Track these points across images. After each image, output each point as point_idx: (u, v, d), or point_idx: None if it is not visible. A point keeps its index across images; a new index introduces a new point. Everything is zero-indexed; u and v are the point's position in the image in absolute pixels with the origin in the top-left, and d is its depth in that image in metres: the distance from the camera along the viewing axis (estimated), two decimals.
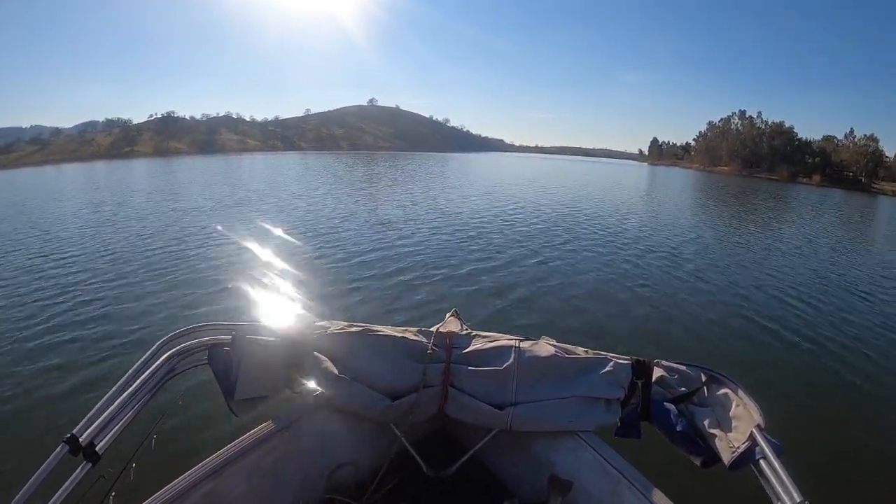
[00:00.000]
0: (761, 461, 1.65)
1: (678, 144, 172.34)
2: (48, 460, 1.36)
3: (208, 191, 25.54)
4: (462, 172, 48.60)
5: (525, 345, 2.12)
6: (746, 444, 1.71)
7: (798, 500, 1.47)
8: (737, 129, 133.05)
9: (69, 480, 1.40)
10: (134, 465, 1.65)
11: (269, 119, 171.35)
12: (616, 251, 13.37)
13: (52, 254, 11.08)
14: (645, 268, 11.70)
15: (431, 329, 2.23)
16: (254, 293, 8.26)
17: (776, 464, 1.61)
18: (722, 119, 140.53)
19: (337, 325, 2.14)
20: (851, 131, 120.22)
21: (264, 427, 1.87)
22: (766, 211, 31.80)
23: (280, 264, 10.09)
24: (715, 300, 9.40)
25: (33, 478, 1.31)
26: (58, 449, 1.40)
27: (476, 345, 2.15)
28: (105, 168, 53.49)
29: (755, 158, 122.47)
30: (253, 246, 11.65)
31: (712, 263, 12.79)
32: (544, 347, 2.13)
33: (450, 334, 2.20)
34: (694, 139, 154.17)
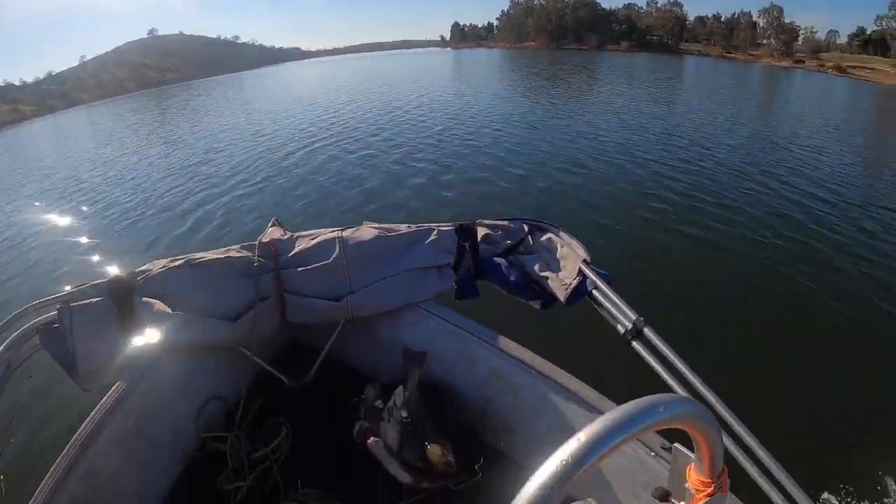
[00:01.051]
0: (594, 291, 1.86)
1: (480, 26, 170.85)
2: None
3: None
4: (250, 95, 45.81)
5: (347, 233, 2.19)
6: (577, 279, 1.90)
7: (633, 318, 1.68)
8: (541, 4, 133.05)
9: None
10: (1, 477, 1.68)
11: (42, 77, 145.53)
12: (421, 129, 14.25)
13: None
14: (449, 141, 12.87)
15: (253, 242, 2.23)
16: (67, 261, 7.92)
17: (608, 291, 1.81)
18: None
19: (158, 265, 2.07)
20: None
21: (117, 389, 1.84)
22: (573, 77, 33.69)
23: (90, 222, 9.91)
24: (526, 157, 10.49)
25: None
26: None
27: (300, 245, 2.19)
28: None
29: (562, 31, 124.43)
30: (51, 218, 11.03)
31: (521, 126, 14.10)
32: (367, 231, 2.20)
33: (272, 242, 2.22)
34: (497, 19, 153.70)
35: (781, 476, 1.25)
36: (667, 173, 9.08)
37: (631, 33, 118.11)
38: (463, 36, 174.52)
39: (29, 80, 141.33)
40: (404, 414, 1.83)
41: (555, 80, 32.24)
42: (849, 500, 3.38)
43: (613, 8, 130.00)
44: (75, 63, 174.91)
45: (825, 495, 3.34)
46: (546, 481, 0.50)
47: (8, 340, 1.75)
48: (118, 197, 11.97)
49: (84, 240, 8.72)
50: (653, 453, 1.55)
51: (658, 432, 1.51)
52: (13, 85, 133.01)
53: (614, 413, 0.56)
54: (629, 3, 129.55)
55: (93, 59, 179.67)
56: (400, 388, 1.91)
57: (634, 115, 15.64)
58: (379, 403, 1.94)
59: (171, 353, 1.98)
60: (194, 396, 2.04)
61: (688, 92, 26.61)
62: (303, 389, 2.13)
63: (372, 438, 1.85)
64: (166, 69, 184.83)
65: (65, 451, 1.62)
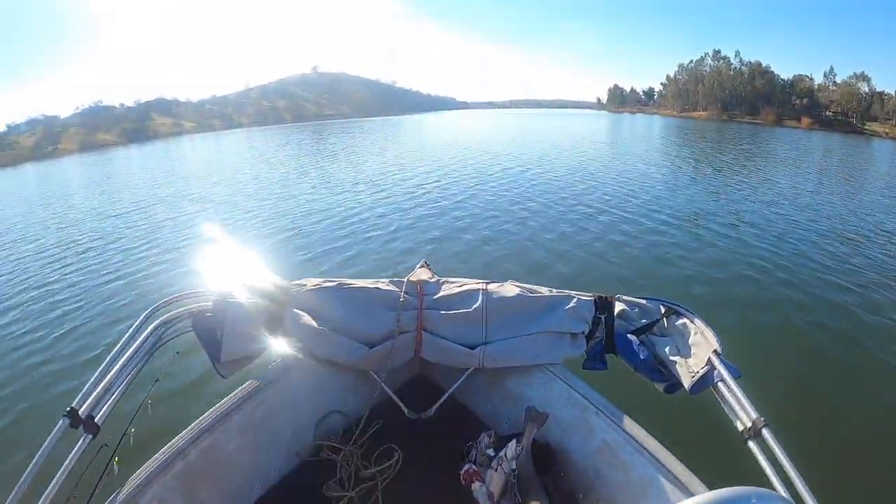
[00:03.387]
0: (720, 384, 1.91)
1: (640, 90, 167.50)
2: (50, 435, 1.52)
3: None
4: (415, 136, 48.53)
5: (492, 287, 2.38)
6: (705, 368, 1.96)
7: (755, 417, 1.70)
8: (712, 71, 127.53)
9: (72, 453, 1.57)
10: (133, 430, 1.87)
11: (206, 98, 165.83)
12: (580, 197, 14.24)
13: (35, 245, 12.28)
14: (604, 209, 12.82)
15: (403, 279, 2.47)
16: (229, 261, 8.62)
17: (733, 386, 1.85)
18: (693, 60, 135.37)
19: (312, 282, 2.34)
20: (831, 70, 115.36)
21: (252, 383, 2.10)
22: (765, 155, 31.50)
23: (251, 233, 11.08)
24: (671, 238, 10.21)
25: (38, 454, 1.47)
26: (59, 423, 1.57)
27: (446, 290, 2.41)
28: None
29: (735, 101, 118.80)
30: (223, 220, 12.96)
31: (674, 206, 13.60)
32: (510, 289, 2.38)
33: (420, 282, 2.45)
34: (662, 84, 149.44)
35: None
36: (838, 279, 8.57)
37: (812, 108, 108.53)
38: (622, 99, 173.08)
39: (194, 99, 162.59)
40: (513, 466, 1.94)
41: (736, 156, 29.67)
42: None
43: (790, 78, 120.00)
44: (240, 88, 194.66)
45: None
46: None
47: (164, 317, 2.03)
48: (273, 213, 13.30)
49: (239, 246, 9.39)
50: None
51: None
52: (178, 101, 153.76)
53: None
54: (799, 75, 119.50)
55: (256, 87, 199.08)
56: (514, 442, 2.02)
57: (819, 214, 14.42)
58: (490, 451, 2.09)
59: (307, 363, 2.23)
60: (319, 405, 2.28)
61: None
62: (421, 422, 2.32)
63: (476, 482, 2.01)
64: (324, 105, 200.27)
65: (194, 423, 1.87)
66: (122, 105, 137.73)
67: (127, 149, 71.09)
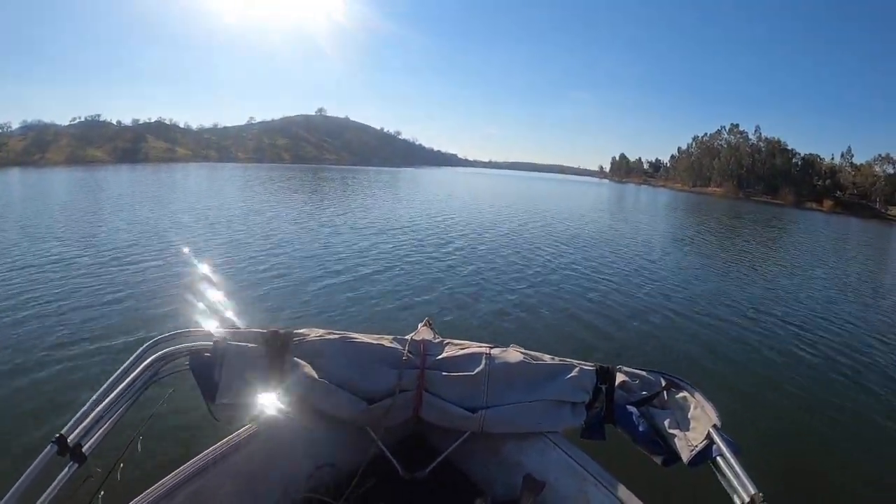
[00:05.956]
0: (718, 458, 1.95)
1: (646, 161, 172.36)
2: (36, 461, 1.52)
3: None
4: (413, 193, 49.07)
5: (495, 352, 2.42)
6: (704, 442, 2.01)
7: (753, 493, 1.72)
8: (728, 145, 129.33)
9: (56, 481, 1.58)
10: (121, 465, 1.86)
11: (207, 126, 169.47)
12: (587, 268, 14.86)
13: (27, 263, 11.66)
14: (608, 281, 13.18)
15: (406, 337, 2.52)
16: (233, 304, 9.02)
17: (732, 460, 1.88)
18: (708, 133, 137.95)
19: (315, 332, 2.38)
20: (849, 150, 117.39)
21: (247, 429, 2.11)
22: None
23: (257, 278, 11.01)
24: (677, 314, 10.59)
25: (22, 478, 1.46)
26: (46, 449, 1.55)
27: (449, 352, 2.45)
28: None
29: (752, 179, 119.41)
30: (229, 260, 12.71)
31: (678, 281, 14.19)
32: (513, 354, 2.43)
33: (424, 342, 2.49)
34: (672, 156, 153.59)
35: None
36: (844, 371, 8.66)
37: (832, 189, 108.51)
38: (627, 169, 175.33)
39: (194, 126, 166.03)
40: None
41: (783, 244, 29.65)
42: None
43: (804, 156, 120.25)
44: (242, 122, 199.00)
45: None
46: None
47: (162, 352, 2.04)
48: (270, 256, 13.38)
49: (241, 289, 9.94)
50: None
51: None
52: (177, 126, 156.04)
53: None
54: (811, 154, 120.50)
55: (260, 122, 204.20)
56: None
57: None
58: None
59: (303, 413, 2.27)
60: (312, 458, 2.27)
61: None
62: (415, 483, 2.34)
63: None
64: (324, 149, 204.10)
65: (184, 466, 1.86)
66: (119, 123, 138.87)
67: (116, 169, 72.23)
